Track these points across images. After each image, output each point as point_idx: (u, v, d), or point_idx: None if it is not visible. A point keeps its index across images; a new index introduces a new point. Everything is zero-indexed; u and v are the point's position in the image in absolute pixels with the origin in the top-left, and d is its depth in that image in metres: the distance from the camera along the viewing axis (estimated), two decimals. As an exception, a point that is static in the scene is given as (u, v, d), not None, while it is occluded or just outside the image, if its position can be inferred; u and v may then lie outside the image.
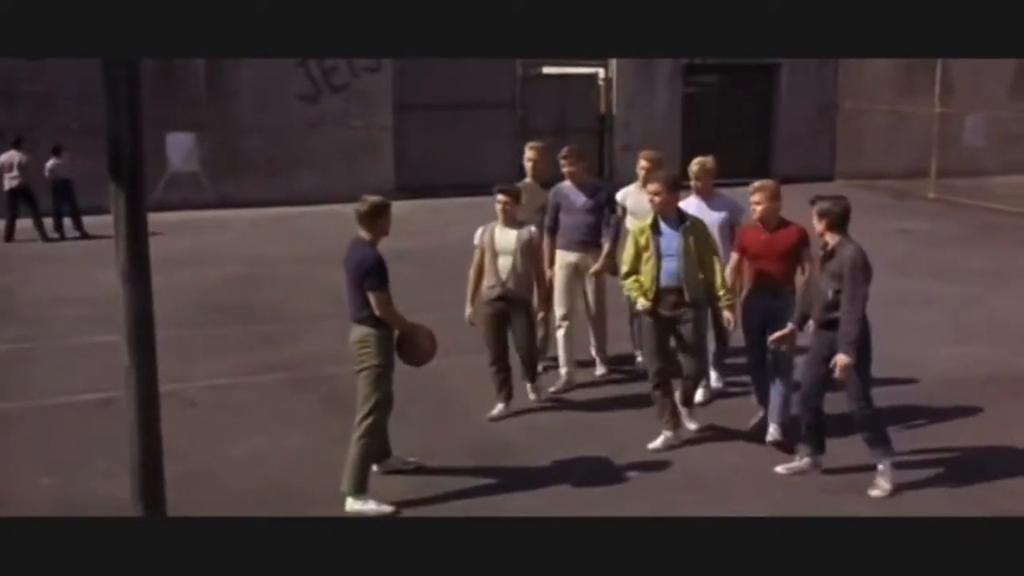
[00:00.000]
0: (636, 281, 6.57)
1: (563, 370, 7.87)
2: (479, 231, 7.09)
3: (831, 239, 5.94)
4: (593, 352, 8.25)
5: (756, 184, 6.59)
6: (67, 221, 15.02)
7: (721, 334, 7.31)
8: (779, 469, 6.29)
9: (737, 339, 7.04)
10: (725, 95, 21.24)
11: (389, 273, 5.79)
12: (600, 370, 8.21)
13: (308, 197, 17.81)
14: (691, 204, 7.17)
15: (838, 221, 5.92)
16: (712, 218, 7.10)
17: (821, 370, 5.99)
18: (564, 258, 7.83)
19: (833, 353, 5.84)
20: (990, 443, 6.65)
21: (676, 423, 6.72)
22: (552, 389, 7.71)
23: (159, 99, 16.54)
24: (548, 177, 8.13)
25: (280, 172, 18.33)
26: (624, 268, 6.70)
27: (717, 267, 6.54)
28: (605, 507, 5.74)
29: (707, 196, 7.31)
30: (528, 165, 8.17)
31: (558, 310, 7.91)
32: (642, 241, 6.54)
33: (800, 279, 6.48)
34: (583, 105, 20.68)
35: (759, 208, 6.48)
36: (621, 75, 20.49)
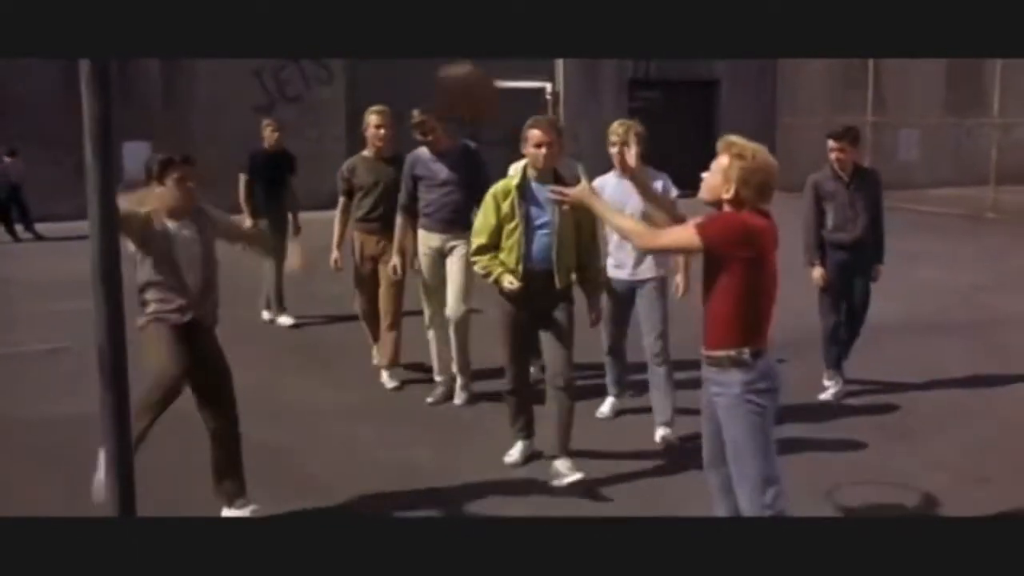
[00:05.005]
0: (495, 258, 5.08)
1: (438, 378, 6.64)
2: None
3: (857, 161, 6.41)
4: (454, 368, 6.54)
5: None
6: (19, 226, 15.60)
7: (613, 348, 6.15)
8: (825, 396, 6.59)
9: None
10: (669, 110, 21.79)
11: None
12: (460, 397, 6.53)
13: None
14: (608, 182, 5.72)
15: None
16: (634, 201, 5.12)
17: (845, 290, 6.55)
18: (427, 242, 6.43)
19: (856, 273, 6.46)
20: (910, 379, 7.28)
21: (531, 429, 5.48)
22: (430, 400, 6.57)
23: (115, 108, 16.64)
24: (394, 151, 6.83)
25: (235, 182, 18.44)
26: (478, 240, 5.14)
27: (596, 244, 5.23)
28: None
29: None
30: (371, 134, 6.79)
31: (425, 308, 6.62)
32: (505, 207, 5.02)
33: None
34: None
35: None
36: (568, 89, 20.97)
